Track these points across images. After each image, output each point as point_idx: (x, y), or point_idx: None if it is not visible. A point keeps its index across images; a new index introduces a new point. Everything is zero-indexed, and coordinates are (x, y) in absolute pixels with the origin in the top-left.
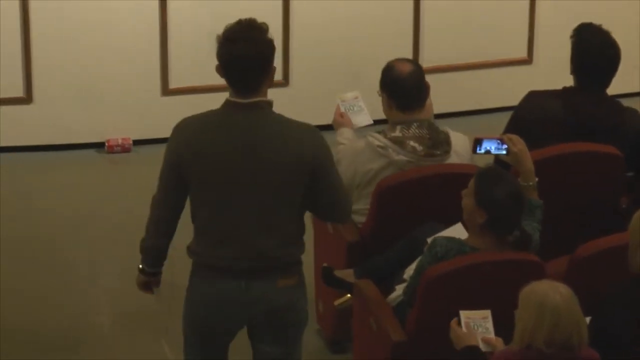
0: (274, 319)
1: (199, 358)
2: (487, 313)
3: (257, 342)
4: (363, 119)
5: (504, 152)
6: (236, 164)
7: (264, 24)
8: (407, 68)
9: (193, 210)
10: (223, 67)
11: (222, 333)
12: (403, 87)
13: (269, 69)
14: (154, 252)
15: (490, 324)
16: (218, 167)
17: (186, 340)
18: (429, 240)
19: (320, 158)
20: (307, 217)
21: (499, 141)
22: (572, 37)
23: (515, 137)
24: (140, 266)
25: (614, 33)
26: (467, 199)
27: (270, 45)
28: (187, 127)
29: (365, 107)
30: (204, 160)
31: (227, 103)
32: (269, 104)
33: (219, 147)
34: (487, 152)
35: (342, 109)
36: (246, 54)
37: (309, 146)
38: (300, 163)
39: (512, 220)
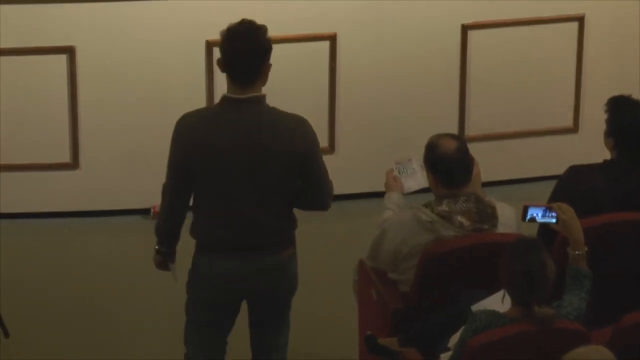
0: (271, 287)
1: (202, 340)
2: None
3: (253, 316)
4: (415, 183)
5: (554, 220)
6: (236, 156)
7: (264, 25)
8: (450, 145)
9: (197, 197)
10: (224, 61)
11: (225, 306)
12: (447, 165)
13: (265, 66)
14: (168, 234)
15: None
16: (220, 160)
17: (189, 318)
18: (473, 309)
19: (309, 148)
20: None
21: (547, 209)
22: (606, 110)
23: (564, 205)
24: (157, 247)
25: None
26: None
27: (268, 44)
28: (190, 123)
29: (419, 170)
30: (207, 153)
31: (224, 99)
32: (263, 97)
33: (220, 141)
34: (532, 219)
35: (396, 172)
36: (248, 49)
37: (299, 137)
38: (292, 152)
39: (524, 295)
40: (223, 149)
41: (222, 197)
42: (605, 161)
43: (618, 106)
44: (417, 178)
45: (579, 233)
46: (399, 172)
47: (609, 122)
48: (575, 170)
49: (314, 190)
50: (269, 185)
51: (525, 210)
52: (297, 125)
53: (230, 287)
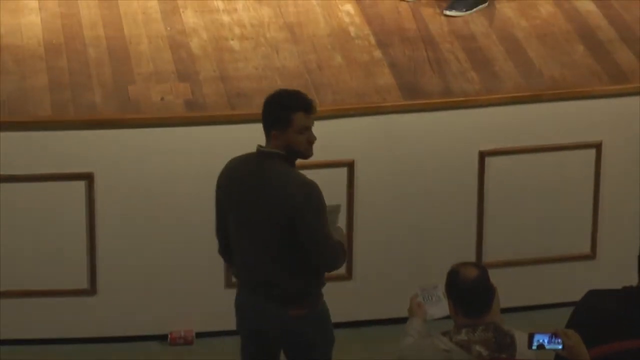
0: (287, 342)
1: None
2: None
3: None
4: (439, 310)
5: (560, 346)
6: (244, 202)
7: (282, 94)
8: (472, 274)
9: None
10: None
11: (247, 340)
12: (468, 294)
13: (272, 124)
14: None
15: None
16: (233, 203)
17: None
18: None
19: (296, 207)
20: None
21: (553, 335)
22: None
23: (569, 331)
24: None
25: None
26: None
27: (273, 108)
28: (226, 166)
29: (443, 297)
30: (226, 195)
31: (257, 149)
32: (279, 154)
33: (235, 186)
34: (541, 346)
35: (420, 298)
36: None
37: (291, 195)
38: (279, 209)
39: None
40: (235, 195)
41: (238, 241)
42: (624, 287)
43: None
44: (442, 306)
45: (586, 358)
46: (423, 299)
47: None
48: (593, 295)
49: (311, 250)
50: (266, 238)
51: (531, 338)
52: (295, 185)
53: (244, 320)
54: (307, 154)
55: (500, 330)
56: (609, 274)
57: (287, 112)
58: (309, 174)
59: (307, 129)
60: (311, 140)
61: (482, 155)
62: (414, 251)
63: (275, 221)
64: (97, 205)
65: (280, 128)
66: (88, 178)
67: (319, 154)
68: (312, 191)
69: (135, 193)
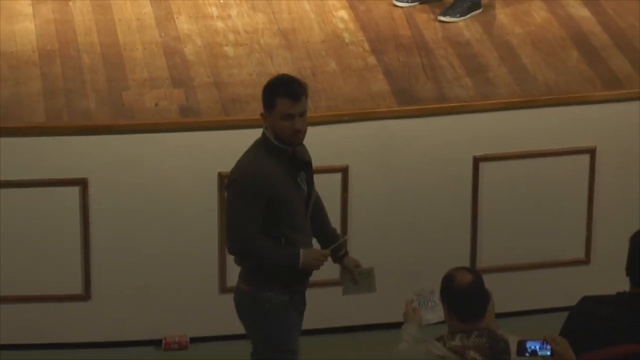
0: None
1: None
2: None
3: None
4: (434, 316)
5: (548, 352)
6: None
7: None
8: (467, 279)
9: None
10: None
11: None
12: (463, 299)
13: (263, 105)
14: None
15: None
16: None
17: None
18: None
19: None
20: None
21: (542, 342)
22: (629, 243)
23: (558, 338)
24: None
25: None
26: None
27: (264, 89)
28: None
29: (439, 303)
30: None
31: None
32: (263, 138)
33: None
34: (534, 353)
35: (416, 303)
36: None
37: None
38: None
39: None
40: None
41: None
42: (618, 293)
43: (636, 239)
44: (437, 311)
45: None
46: (419, 304)
47: (629, 254)
48: (587, 301)
49: None
50: None
51: (522, 345)
52: (234, 167)
53: None
54: (291, 140)
55: (495, 336)
56: (603, 279)
57: (272, 96)
58: None
59: (291, 116)
60: (296, 128)
61: (476, 161)
62: (408, 256)
63: None
64: (91, 210)
65: (266, 110)
66: (82, 184)
67: (313, 159)
68: (236, 176)
69: (130, 198)
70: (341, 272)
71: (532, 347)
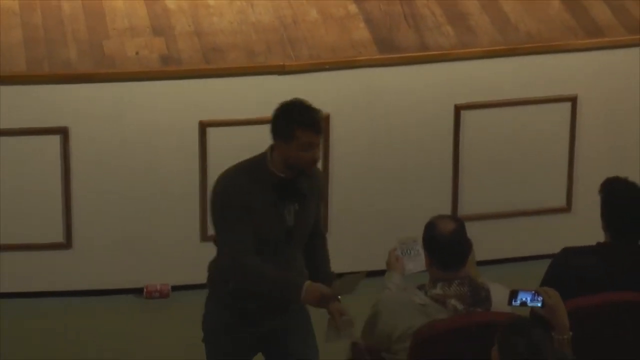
0: None
1: None
2: None
3: None
4: (417, 265)
5: (539, 304)
6: None
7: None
8: (448, 227)
9: None
10: None
11: None
12: (444, 246)
13: (275, 133)
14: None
15: None
16: None
17: None
18: None
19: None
20: None
21: (534, 293)
22: (600, 192)
23: (551, 290)
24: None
25: None
26: (494, 347)
27: (278, 118)
28: None
29: (422, 252)
30: None
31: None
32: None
33: None
34: (523, 303)
35: (398, 252)
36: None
37: None
38: None
39: None
40: None
41: None
42: (598, 243)
43: (612, 188)
44: (420, 260)
45: (564, 318)
46: (401, 253)
47: (602, 203)
48: (568, 252)
49: None
50: None
51: (514, 295)
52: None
53: None
54: (307, 170)
55: (476, 285)
56: (584, 227)
57: (289, 126)
58: None
59: (313, 146)
60: (316, 158)
61: (458, 109)
62: (390, 204)
63: None
64: (72, 159)
65: (280, 140)
66: (63, 133)
67: None
68: (215, 184)
69: (111, 147)
70: (328, 319)
71: (523, 298)
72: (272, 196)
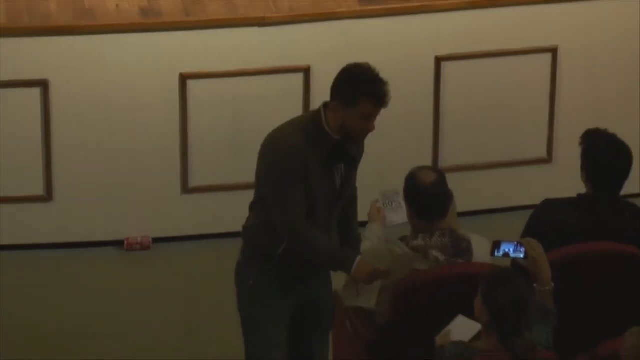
0: None
1: None
2: None
3: None
4: (398, 217)
5: (522, 255)
6: None
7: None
8: (429, 177)
9: None
10: None
11: None
12: (425, 197)
13: (337, 95)
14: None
15: None
16: None
17: None
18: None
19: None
20: None
21: (517, 244)
22: (580, 144)
23: (534, 242)
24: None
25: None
26: (477, 298)
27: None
28: None
29: (404, 204)
30: None
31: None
32: (312, 115)
33: None
34: (506, 255)
35: (380, 204)
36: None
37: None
38: None
39: (514, 324)
40: None
41: None
42: (579, 195)
43: (592, 140)
44: (401, 212)
45: (547, 269)
46: (383, 205)
47: (583, 155)
48: (548, 204)
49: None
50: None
51: (497, 246)
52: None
53: None
54: (359, 139)
55: (457, 236)
56: (565, 178)
57: (356, 93)
58: (265, 80)
59: (371, 117)
60: (371, 129)
61: (439, 61)
62: (372, 156)
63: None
64: (53, 112)
65: (342, 103)
66: (43, 85)
67: (275, 60)
68: (269, 150)
69: (91, 100)
70: (347, 282)
71: (506, 250)
72: (326, 158)
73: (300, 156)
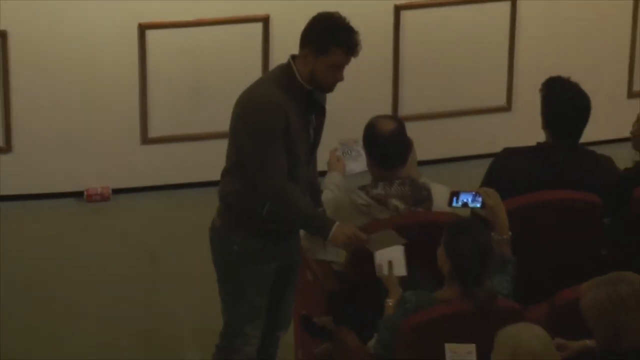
0: None
1: None
2: (472, 347)
3: None
4: (358, 165)
5: (479, 205)
6: None
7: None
8: (388, 126)
9: None
10: None
11: None
12: (384, 146)
13: (308, 43)
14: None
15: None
16: None
17: None
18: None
19: (233, 114)
20: None
21: (475, 194)
22: (541, 91)
23: (491, 191)
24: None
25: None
26: (440, 247)
27: (318, 29)
28: None
29: (363, 152)
30: None
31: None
32: (282, 69)
33: None
34: (464, 204)
35: (340, 152)
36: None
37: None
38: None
39: (476, 273)
40: None
41: None
42: (538, 144)
43: (552, 87)
44: (361, 161)
45: (504, 218)
46: (342, 153)
47: (543, 102)
48: (508, 153)
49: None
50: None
51: (452, 195)
52: (242, 95)
53: None
54: (327, 89)
55: (417, 184)
56: (524, 126)
57: (328, 42)
58: (224, 29)
59: (340, 67)
60: (339, 79)
61: (398, 9)
62: (331, 105)
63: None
64: (11, 62)
65: (314, 52)
66: (1, 36)
67: (233, 9)
68: (249, 109)
69: (49, 50)
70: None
71: (465, 199)
72: (303, 110)
73: (282, 112)
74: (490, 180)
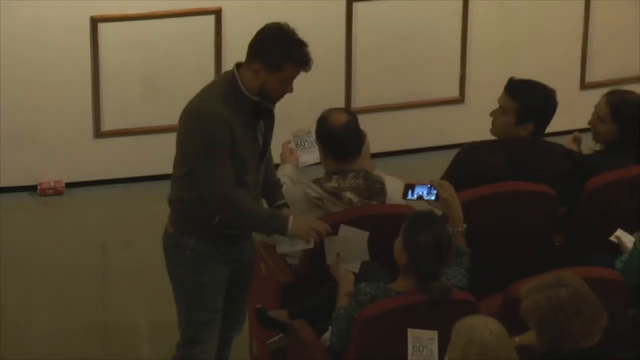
0: None
1: None
2: (434, 334)
3: None
4: (311, 157)
5: (433, 197)
6: None
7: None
8: (341, 119)
9: None
10: None
11: None
12: (338, 138)
13: (259, 58)
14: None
15: (435, 346)
16: None
17: None
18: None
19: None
20: None
21: (430, 187)
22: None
23: (445, 183)
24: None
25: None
26: (398, 239)
27: (271, 45)
28: None
29: (316, 144)
30: None
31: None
32: (227, 79)
33: None
34: (420, 197)
35: (293, 144)
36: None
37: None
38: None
39: (433, 266)
40: None
41: None
42: (500, 138)
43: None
44: (314, 152)
45: (459, 211)
46: (295, 145)
47: (529, 101)
48: (472, 147)
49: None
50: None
51: (407, 188)
52: (189, 104)
53: None
54: (276, 101)
55: (371, 177)
56: (477, 118)
57: (281, 59)
58: (177, 22)
59: (291, 81)
60: (288, 91)
61: (350, 2)
62: (284, 98)
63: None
64: None
65: (265, 67)
66: None
67: (186, 2)
68: (196, 123)
69: (2, 43)
70: None
71: (420, 192)
72: (249, 119)
73: (227, 127)
74: (454, 174)
